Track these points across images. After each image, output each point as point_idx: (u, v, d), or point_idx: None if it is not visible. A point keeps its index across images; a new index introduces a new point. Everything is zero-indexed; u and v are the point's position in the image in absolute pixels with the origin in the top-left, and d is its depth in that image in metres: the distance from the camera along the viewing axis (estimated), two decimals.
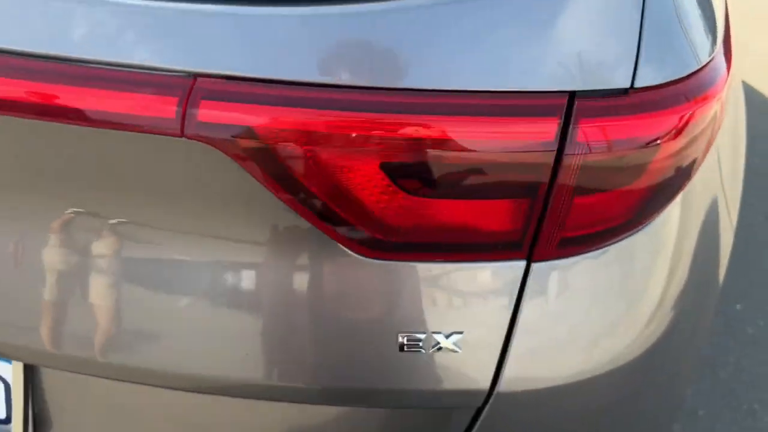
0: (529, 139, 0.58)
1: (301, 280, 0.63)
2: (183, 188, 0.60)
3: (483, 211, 0.61)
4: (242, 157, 0.56)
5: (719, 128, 0.69)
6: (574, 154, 0.58)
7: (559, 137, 0.57)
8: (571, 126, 0.57)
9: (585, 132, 0.57)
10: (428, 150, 0.56)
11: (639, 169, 0.61)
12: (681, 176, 0.64)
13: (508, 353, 0.65)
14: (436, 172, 0.57)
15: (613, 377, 0.69)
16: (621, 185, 0.62)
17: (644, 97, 0.59)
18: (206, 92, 0.54)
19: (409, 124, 0.55)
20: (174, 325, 0.65)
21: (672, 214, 0.67)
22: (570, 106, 0.57)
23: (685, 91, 0.60)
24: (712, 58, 0.63)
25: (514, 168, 0.59)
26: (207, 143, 0.55)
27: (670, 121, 0.59)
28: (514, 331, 0.64)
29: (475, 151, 0.57)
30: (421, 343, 0.63)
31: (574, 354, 0.68)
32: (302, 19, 0.56)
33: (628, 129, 0.59)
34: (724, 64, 0.67)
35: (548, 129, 0.57)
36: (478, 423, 0.69)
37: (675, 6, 0.62)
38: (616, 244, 0.63)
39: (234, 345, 0.65)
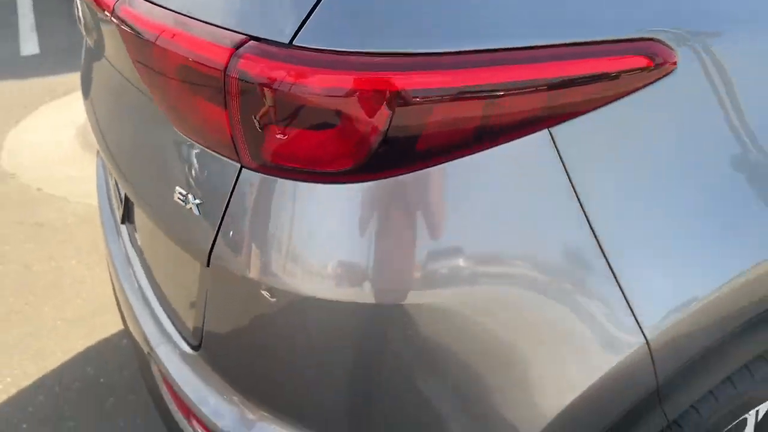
0: (210, 59, 0.77)
1: None
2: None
3: (215, 123, 0.80)
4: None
5: None
6: (236, 78, 0.74)
7: (227, 63, 0.74)
8: (237, 57, 0.74)
9: (245, 64, 0.73)
10: None
11: (303, 112, 0.74)
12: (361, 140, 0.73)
13: (218, 233, 0.84)
14: None
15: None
16: (294, 125, 0.75)
17: (299, 53, 0.72)
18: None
19: None
20: None
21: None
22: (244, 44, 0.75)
23: (338, 63, 0.71)
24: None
25: (204, 84, 0.79)
26: None
27: (315, 80, 0.72)
28: (224, 217, 0.82)
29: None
30: (183, 200, 0.88)
31: (265, 255, 0.81)
32: None
33: (280, 74, 0.72)
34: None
35: (223, 55, 0.75)
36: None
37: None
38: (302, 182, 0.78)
39: None
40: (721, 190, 0.82)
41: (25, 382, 1.88)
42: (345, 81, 0.70)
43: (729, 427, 1.03)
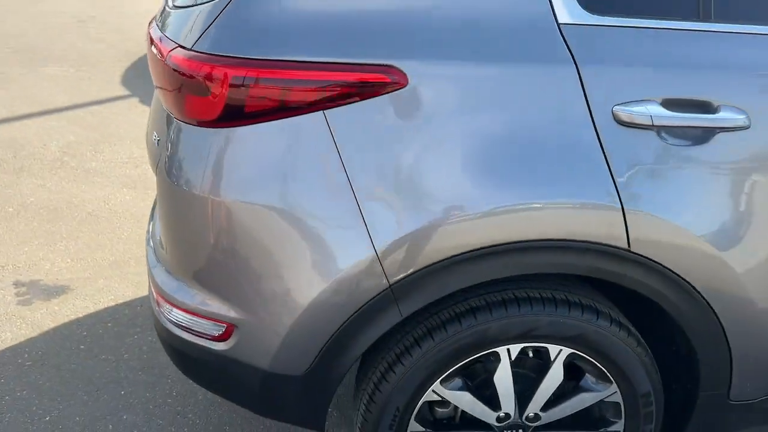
0: (161, 57, 1.45)
1: None
2: None
3: (165, 95, 1.47)
4: None
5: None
6: (168, 66, 1.39)
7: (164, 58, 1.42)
8: (169, 55, 1.40)
9: (171, 58, 1.39)
10: None
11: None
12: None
13: (165, 156, 1.77)
14: None
15: None
16: (190, 93, 1.37)
17: (191, 53, 1.35)
18: None
19: None
20: None
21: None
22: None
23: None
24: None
25: (162, 73, 1.44)
26: None
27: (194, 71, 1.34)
28: (167, 146, 1.80)
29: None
30: (156, 139, 1.63)
31: (179, 167, 1.46)
32: None
33: (183, 63, 1.36)
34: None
35: (165, 54, 1.43)
36: None
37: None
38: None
39: None
40: (411, 167, 1.30)
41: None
42: (207, 69, 1.31)
43: (479, 355, 1.44)
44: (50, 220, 3.17)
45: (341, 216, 1.32)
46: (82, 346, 2.33)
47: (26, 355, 2.28)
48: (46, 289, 2.64)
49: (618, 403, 1.55)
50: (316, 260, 1.35)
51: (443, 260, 1.33)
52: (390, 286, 1.34)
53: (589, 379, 1.53)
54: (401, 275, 1.34)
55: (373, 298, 1.36)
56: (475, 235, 1.31)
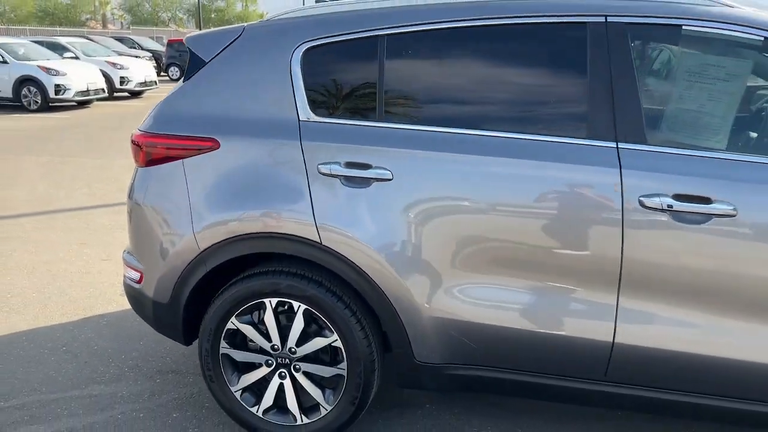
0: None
1: None
2: None
3: None
4: None
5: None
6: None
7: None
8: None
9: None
10: None
11: None
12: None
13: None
14: None
15: None
16: (140, 154, 2.74)
17: (143, 132, 3.02)
18: None
19: None
20: None
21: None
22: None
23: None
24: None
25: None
26: None
27: None
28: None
29: None
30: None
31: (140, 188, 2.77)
32: None
33: (138, 137, 2.99)
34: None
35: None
36: None
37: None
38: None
39: None
40: (210, 192, 2.51)
41: None
42: (138, 139, 2.69)
43: (253, 302, 2.53)
44: None
45: (183, 215, 2.56)
46: None
47: None
48: None
49: (340, 348, 2.49)
50: (170, 238, 2.60)
51: (221, 241, 2.50)
52: (200, 252, 2.53)
53: (322, 328, 2.52)
54: (204, 247, 2.53)
55: (194, 258, 2.55)
56: (234, 227, 2.48)
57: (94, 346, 3.55)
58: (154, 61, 23.90)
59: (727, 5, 2.24)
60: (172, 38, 29.19)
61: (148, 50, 26.85)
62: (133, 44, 27.59)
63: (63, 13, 69.18)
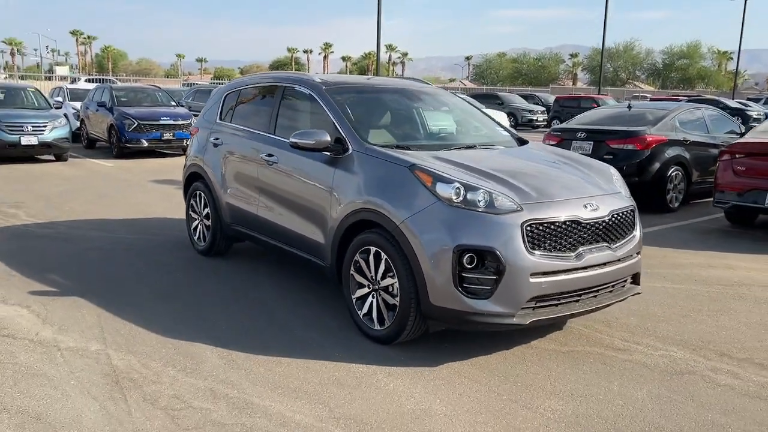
0: None
1: None
2: None
3: None
4: None
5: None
6: None
7: None
8: None
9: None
10: None
11: None
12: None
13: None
14: None
15: None
16: None
17: None
18: None
19: None
20: None
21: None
22: None
23: None
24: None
25: None
26: None
27: None
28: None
29: None
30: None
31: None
32: None
33: None
34: None
35: None
36: None
37: None
38: None
39: None
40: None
41: None
42: None
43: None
44: None
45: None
46: None
47: None
48: None
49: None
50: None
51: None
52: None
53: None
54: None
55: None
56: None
57: None
58: (513, 116, 27.50)
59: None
60: (560, 95, 32.70)
61: (544, 105, 31.00)
62: (537, 101, 32.13)
63: (534, 73, 78.26)
